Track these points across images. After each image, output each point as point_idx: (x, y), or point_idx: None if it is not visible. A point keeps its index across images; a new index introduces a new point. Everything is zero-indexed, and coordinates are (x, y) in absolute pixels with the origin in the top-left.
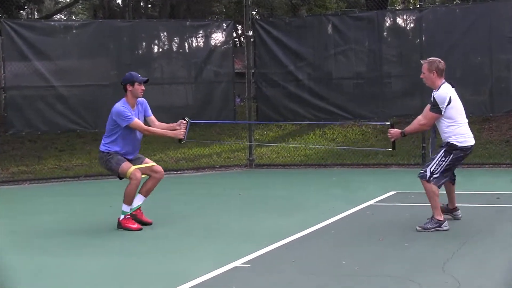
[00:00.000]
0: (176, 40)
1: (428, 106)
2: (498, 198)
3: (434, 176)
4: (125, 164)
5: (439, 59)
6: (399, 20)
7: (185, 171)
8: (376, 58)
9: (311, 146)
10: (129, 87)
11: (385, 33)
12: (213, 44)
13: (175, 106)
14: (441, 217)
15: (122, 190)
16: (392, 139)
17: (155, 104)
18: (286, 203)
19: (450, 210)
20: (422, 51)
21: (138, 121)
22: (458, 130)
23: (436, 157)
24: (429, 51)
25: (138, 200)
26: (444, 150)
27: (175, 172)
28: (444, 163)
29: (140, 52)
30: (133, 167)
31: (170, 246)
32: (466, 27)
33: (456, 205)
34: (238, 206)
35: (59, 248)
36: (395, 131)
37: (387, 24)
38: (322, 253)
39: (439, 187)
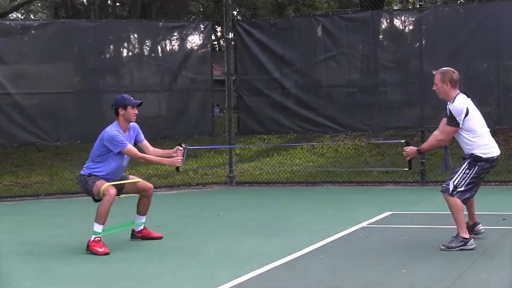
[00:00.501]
0: (148, 43)
1: (444, 120)
2: (504, 219)
3: (458, 189)
4: (100, 182)
5: (452, 69)
6: (397, 22)
7: (158, 189)
8: (371, 64)
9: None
10: (121, 111)
11: (381, 36)
12: (189, 47)
13: (146, 117)
14: (466, 235)
15: (89, 210)
16: (408, 158)
17: None
18: (270, 224)
19: (470, 227)
20: (422, 56)
21: (132, 147)
22: (481, 141)
23: (459, 169)
24: (429, 56)
25: (140, 219)
26: (468, 162)
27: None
28: (468, 176)
29: (107, 56)
30: (107, 184)
31: (143, 271)
32: (471, 30)
33: (476, 219)
34: (217, 228)
35: (15, 276)
36: (411, 149)
37: (383, 26)
38: (310, 279)
39: (464, 202)
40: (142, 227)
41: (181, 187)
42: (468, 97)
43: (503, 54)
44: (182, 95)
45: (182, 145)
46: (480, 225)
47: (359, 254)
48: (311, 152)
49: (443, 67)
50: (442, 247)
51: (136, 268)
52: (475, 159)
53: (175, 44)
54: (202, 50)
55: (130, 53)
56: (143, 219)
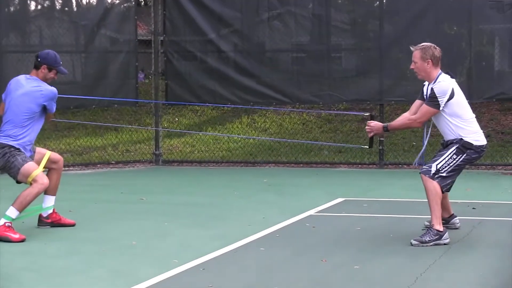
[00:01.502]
0: None
1: (417, 102)
2: (473, 208)
3: (440, 174)
4: (32, 165)
5: (433, 44)
6: None
7: (71, 168)
8: (322, 25)
9: (242, 136)
10: (44, 69)
11: None
12: (109, 1)
13: (57, 83)
14: (441, 227)
15: None
16: (371, 134)
17: None
18: (201, 211)
19: (445, 219)
20: (382, 17)
21: None
22: (470, 128)
23: (445, 153)
24: (390, 17)
25: (49, 201)
26: (457, 148)
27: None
28: (454, 161)
29: (12, 9)
30: (39, 170)
31: (51, 266)
32: None
33: (452, 211)
34: (139, 214)
35: None
36: (375, 123)
37: None
38: (246, 276)
39: (442, 191)
40: (51, 211)
41: (98, 165)
42: (452, 77)
43: (476, 17)
44: (100, 57)
45: None
46: (457, 218)
47: (305, 247)
48: (251, 127)
49: (406, 30)
50: (414, 242)
51: (42, 263)
52: (464, 146)
53: None
54: (125, 5)
55: (38, 7)
56: (53, 200)
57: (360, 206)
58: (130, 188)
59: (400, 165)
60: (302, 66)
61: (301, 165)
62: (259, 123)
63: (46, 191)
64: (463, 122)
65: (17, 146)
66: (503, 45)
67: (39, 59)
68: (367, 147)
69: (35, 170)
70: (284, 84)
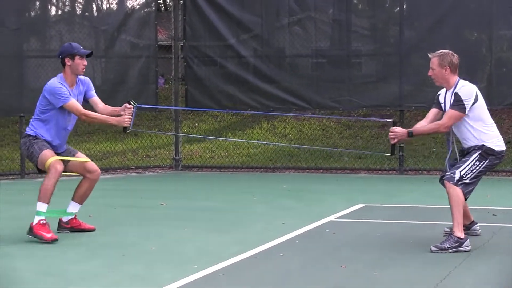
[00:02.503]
0: (81, 0)
1: (433, 110)
2: (494, 215)
3: (464, 181)
4: (49, 152)
5: (451, 51)
6: None
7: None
8: (343, 31)
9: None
10: (67, 61)
11: None
12: (129, 7)
13: None
14: (462, 235)
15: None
16: (395, 141)
17: None
18: (221, 217)
19: (466, 226)
20: (402, 23)
21: (75, 102)
22: (491, 133)
23: (468, 160)
24: (410, 23)
25: (72, 208)
26: (479, 154)
27: (78, 174)
28: (477, 168)
29: (32, 14)
30: (55, 157)
31: (70, 271)
32: None
33: (472, 218)
34: (158, 220)
35: None
36: (400, 130)
37: None
38: (266, 281)
39: (465, 197)
40: (72, 216)
41: (118, 170)
42: (471, 83)
43: (497, 22)
44: (120, 62)
45: (131, 102)
46: (477, 224)
47: (325, 253)
48: (271, 133)
49: (426, 35)
50: (433, 248)
51: (61, 267)
52: (486, 152)
53: (113, 2)
54: (145, 10)
55: (59, 12)
56: (77, 208)
57: (380, 212)
58: (149, 194)
59: (420, 171)
60: (322, 72)
61: (321, 171)
62: (279, 129)
63: (73, 197)
64: (485, 127)
65: (33, 134)
66: None
67: (59, 56)
68: (389, 154)
69: (51, 158)
70: (303, 90)
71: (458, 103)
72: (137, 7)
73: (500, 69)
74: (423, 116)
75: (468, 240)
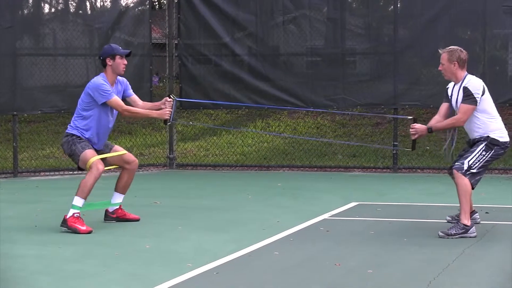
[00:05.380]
0: None
1: (444, 105)
2: (487, 212)
3: (472, 170)
4: (90, 152)
5: (460, 48)
6: None
7: (84, 172)
8: (337, 29)
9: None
10: (109, 61)
11: None
12: (123, 4)
13: (71, 85)
14: (468, 222)
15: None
16: (416, 136)
17: (45, 82)
18: (216, 215)
19: None
20: (396, 21)
21: (117, 99)
22: (496, 125)
23: (475, 150)
24: (405, 22)
25: (117, 199)
26: (485, 145)
27: (71, 172)
28: (484, 158)
29: (26, 12)
30: (97, 157)
31: (66, 270)
32: None
33: (473, 207)
34: (153, 218)
35: None
36: (420, 126)
37: None
38: (260, 279)
39: (472, 186)
40: (117, 207)
41: (112, 169)
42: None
43: (490, 21)
44: None
45: (171, 96)
46: (477, 213)
47: (319, 251)
48: (265, 131)
49: (420, 34)
50: (440, 233)
51: (57, 267)
52: (491, 142)
53: (107, 0)
54: (139, 8)
55: (52, 9)
56: (121, 198)
57: (374, 210)
58: (144, 192)
59: (414, 170)
60: (316, 70)
61: (315, 169)
62: (274, 127)
63: (116, 188)
64: (490, 119)
65: (77, 134)
66: None
67: (100, 57)
68: (410, 149)
69: (92, 158)
70: (298, 88)
71: (469, 97)
72: (131, 5)
73: (493, 68)
74: (417, 114)
75: (474, 227)
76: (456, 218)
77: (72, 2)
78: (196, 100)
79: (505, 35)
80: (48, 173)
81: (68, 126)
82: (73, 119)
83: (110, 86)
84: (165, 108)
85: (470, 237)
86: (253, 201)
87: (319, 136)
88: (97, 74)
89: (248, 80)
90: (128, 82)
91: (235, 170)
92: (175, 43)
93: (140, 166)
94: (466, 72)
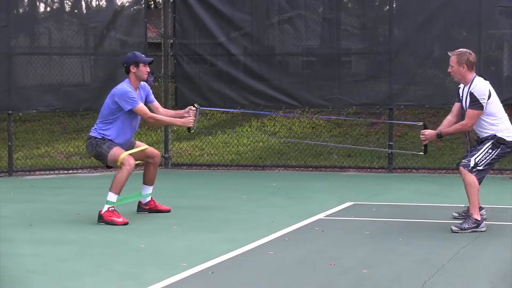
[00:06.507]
0: None
1: (457, 105)
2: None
3: (478, 168)
4: (117, 149)
5: (469, 50)
6: None
7: (79, 170)
8: (333, 29)
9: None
10: (132, 69)
11: None
12: (119, 4)
13: (66, 85)
14: (479, 217)
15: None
16: (426, 142)
17: (40, 81)
18: (210, 215)
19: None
20: (391, 21)
21: (143, 106)
22: (503, 125)
23: (481, 148)
24: (400, 21)
25: (147, 190)
26: (492, 143)
27: (66, 172)
28: (490, 155)
29: (21, 11)
30: (126, 153)
31: (60, 269)
32: None
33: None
34: (148, 218)
35: None
36: (430, 132)
37: None
38: (255, 279)
39: (479, 183)
40: (149, 198)
41: (107, 168)
42: (485, 80)
43: (486, 22)
44: (109, 60)
45: (195, 105)
46: (484, 210)
47: (314, 250)
48: (261, 131)
49: (415, 34)
50: (454, 228)
51: (51, 266)
52: (498, 141)
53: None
54: (135, 8)
55: (48, 8)
56: (150, 189)
57: (369, 210)
58: (139, 191)
59: (409, 170)
60: (312, 70)
61: (310, 169)
62: (269, 127)
63: (144, 181)
64: (496, 120)
65: (99, 137)
66: (511, 51)
67: (124, 64)
68: (422, 153)
69: (122, 154)
70: (294, 88)
71: (475, 102)
72: (127, 4)
73: (489, 68)
74: (412, 114)
75: (484, 222)
76: (463, 214)
77: (67, 1)
78: (214, 109)
79: (500, 36)
80: (43, 172)
81: (92, 129)
82: (97, 122)
83: (135, 92)
84: (189, 116)
85: (481, 231)
86: (248, 200)
87: (315, 136)
88: (92, 74)
89: (244, 80)
90: (150, 88)
91: (230, 170)
92: (171, 43)
93: (136, 165)
94: (475, 74)
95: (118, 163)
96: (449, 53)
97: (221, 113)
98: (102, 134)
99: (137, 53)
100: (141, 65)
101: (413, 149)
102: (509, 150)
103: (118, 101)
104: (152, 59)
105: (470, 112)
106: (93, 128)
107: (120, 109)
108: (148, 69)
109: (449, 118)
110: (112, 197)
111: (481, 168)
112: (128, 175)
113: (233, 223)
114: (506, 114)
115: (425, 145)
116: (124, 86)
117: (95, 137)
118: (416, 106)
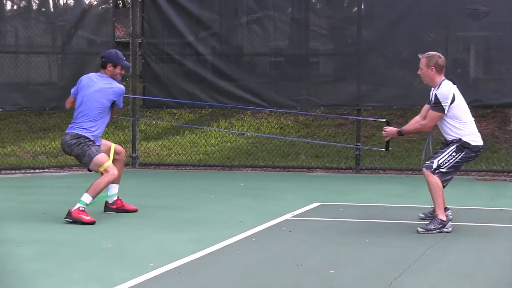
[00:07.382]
0: None
1: (426, 106)
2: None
3: (441, 170)
4: (103, 157)
5: (438, 53)
6: None
7: (46, 170)
8: (301, 30)
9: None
10: (109, 67)
11: None
12: (87, 2)
13: (33, 83)
14: (444, 217)
15: None
16: (387, 139)
17: (6, 80)
18: (178, 215)
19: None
20: (360, 23)
21: None
22: (469, 130)
23: (445, 150)
24: (368, 23)
25: (114, 190)
26: (456, 146)
27: (32, 171)
28: (454, 158)
29: None
30: (110, 161)
31: (24, 269)
32: None
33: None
34: (114, 217)
35: None
36: (391, 129)
37: None
38: (222, 279)
39: (443, 185)
40: (116, 198)
41: (74, 168)
42: (454, 84)
43: (453, 24)
44: (77, 59)
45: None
46: (449, 210)
47: (281, 250)
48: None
49: (383, 36)
50: (420, 229)
51: (14, 266)
52: (463, 145)
53: None
54: (103, 6)
55: (14, 6)
56: (117, 188)
57: (336, 211)
58: (105, 191)
59: (376, 170)
60: (280, 70)
61: (278, 169)
62: (237, 127)
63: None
64: (461, 124)
65: (92, 138)
66: (478, 53)
67: (103, 59)
68: (384, 150)
69: (107, 162)
70: (262, 88)
71: (437, 105)
72: (95, 3)
73: (456, 70)
74: (380, 115)
75: (449, 222)
76: (429, 214)
77: (34, 0)
78: (200, 103)
79: (467, 38)
80: (9, 172)
81: (76, 127)
82: (82, 120)
83: None
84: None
85: (447, 232)
86: (215, 200)
87: (282, 136)
88: (59, 72)
89: (212, 80)
90: None
91: (198, 170)
92: (139, 42)
93: None
94: (443, 77)
95: (101, 169)
96: (419, 55)
97: (189, 112)
98: (91, 134)
99: (120, 54)
100: (119, 67)
101: (380, 150)
102: (473, 154)
103: (116, 99)
104: (130, 64)
105: (431, 113)
106: (77, 126)
107: (108, 107)
108: (123, 73)
109: (417, 118)
110: (87, 198)
111: (444, 170)
112: (109, 183)
113: (200, 223)
114: (472, 119)
115: (387, 142)
116: (117, 84)
117: (86, 136)
118: (384, 107)
